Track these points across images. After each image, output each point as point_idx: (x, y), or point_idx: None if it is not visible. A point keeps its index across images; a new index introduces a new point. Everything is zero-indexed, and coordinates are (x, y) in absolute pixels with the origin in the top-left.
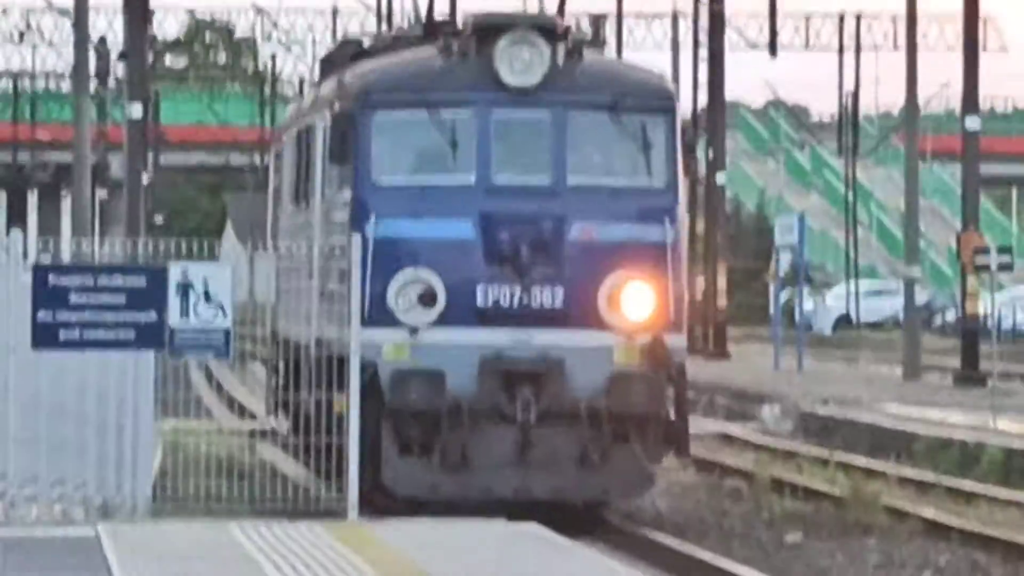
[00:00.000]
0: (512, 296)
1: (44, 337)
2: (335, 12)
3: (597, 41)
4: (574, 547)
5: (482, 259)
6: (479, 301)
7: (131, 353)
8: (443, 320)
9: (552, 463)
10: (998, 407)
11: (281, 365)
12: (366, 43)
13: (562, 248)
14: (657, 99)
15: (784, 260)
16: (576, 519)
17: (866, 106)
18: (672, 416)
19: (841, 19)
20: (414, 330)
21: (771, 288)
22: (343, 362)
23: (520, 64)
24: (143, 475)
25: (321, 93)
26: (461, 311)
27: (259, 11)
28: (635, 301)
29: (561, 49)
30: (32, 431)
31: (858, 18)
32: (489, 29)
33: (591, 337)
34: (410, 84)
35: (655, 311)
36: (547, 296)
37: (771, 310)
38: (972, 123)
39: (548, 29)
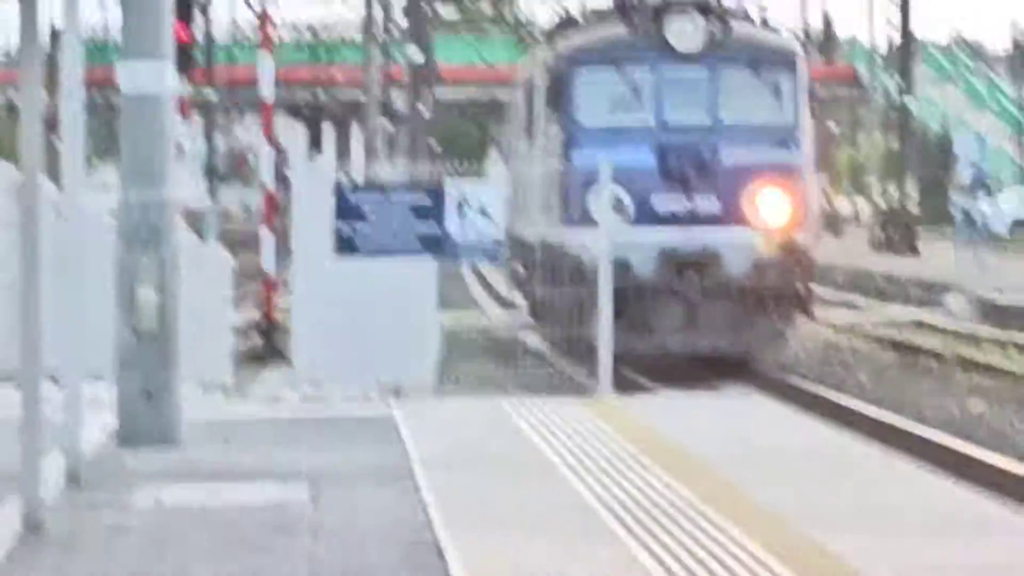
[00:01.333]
0: (680, 205)
1: (345, 245)
2: None
3: (741, 13)
4: (792, 414)
5: (659, 179)
6: (656, 209)
7: (416, 259)
8: (630, 223)
9: (711, 327)
10: None
11: (518, 262)
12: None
13: (717, 169)
14: (785, 59)
15: (964, 170)
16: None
17: None
18: (801, 291)
19: None
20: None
21: (952, 196)
22: (562, 256)
23: (684, 35)
24: (428, 360)
25: (543, 56)
26: (643, 216)
27: None
28: (771, 207)
29: (714, 21)
30: (338, 325)
31: None
32: (661, 8)
33: (739, 234)
34: (605, 49)
35: (786, 215)
36: (706, 204)
37: (953, 214)
38: None
39: (704, 7)
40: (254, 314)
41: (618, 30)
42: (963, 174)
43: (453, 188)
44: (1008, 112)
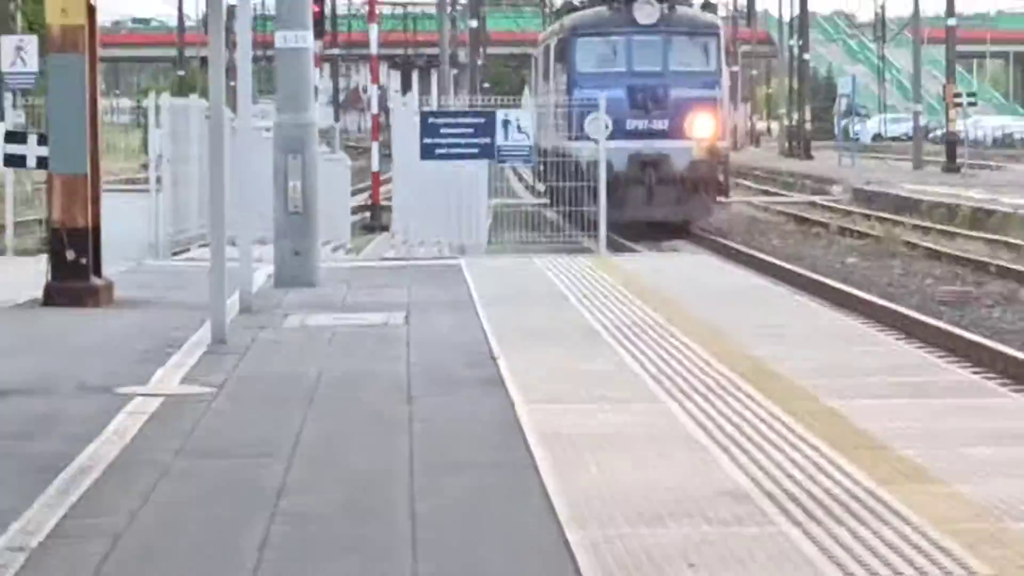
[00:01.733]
0: (643, 124)
1: (427, 152)
2: None
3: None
4: (727, 265)
5: (628, 108)
6: (628, 127)
7: (474, 161)
8: (611, 137)
9: (663, 203)
10: (968, 184)
11: (541, 164)
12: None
13: (666, 101)
14: (710, 30)
15: (843, 102)
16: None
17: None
18: (721, 179)
19: None
20: (596, 141)
21: (836, 119)
22: (567, 159)
23: (644, 14)
24: (482, 229)
25: (555, 28)
26: (619, 132)
27: None
28: (700, 126)
29: (666, 6)
30: (422, 205)
31: None
32: None
33: (681, 143)
34: (594, 24)
35: (710, 130)
36: (659, 124)
37: (836, 131)
38: (951, 22)
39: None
40: (365, 199)
41: (602, 11)
42: (842, 105)
43: (499, 113)
44: (872, 62)
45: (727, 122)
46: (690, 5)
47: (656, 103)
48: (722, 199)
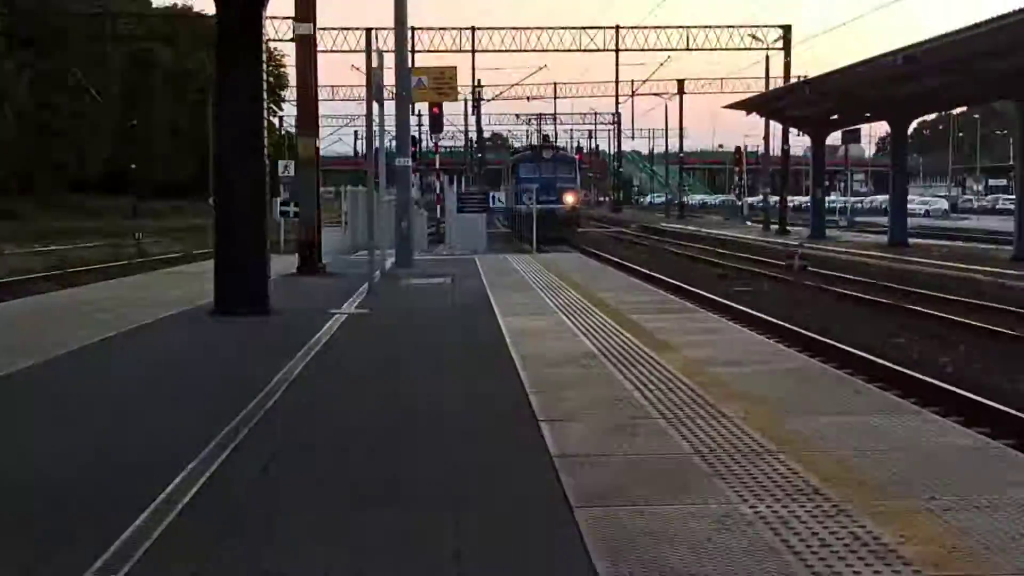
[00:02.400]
0: (545, 197)
1: (460, 208)
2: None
3: (557, 146)
4: (589, 259)
5: (540, 191)
6: (540, 198)
7: (479, 214)
8: (537, 202)
9: (554, 229)
10: (687, 223)
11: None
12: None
13: (555, 188)
14: (572, 158)
15: (635, 189)
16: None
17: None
18: (578, 220)
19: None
20: (528, 204)
21: (632, 196)
22: (516, 211)
23: (547, 154)
24: (483, 242)
25: (512, 158)
26: (537, 201)
27: None
28: (568, 198)
29: (553, 149)
30: (458, 231)
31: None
32: (540, 146)
33: (561, 205)
34: (527, 157)
35: (572, 199)
36: (552, 197)
37: (632, 201)
38: (679, 154)
39: (551, 146)
40: (432, 228)
41: (529, 152)
42: (635, 190)
43: (491, 193)
44: (648, 171)
45: (579, 196)
46: (565, 150)
47: (551, 189)
48: (579, 229)
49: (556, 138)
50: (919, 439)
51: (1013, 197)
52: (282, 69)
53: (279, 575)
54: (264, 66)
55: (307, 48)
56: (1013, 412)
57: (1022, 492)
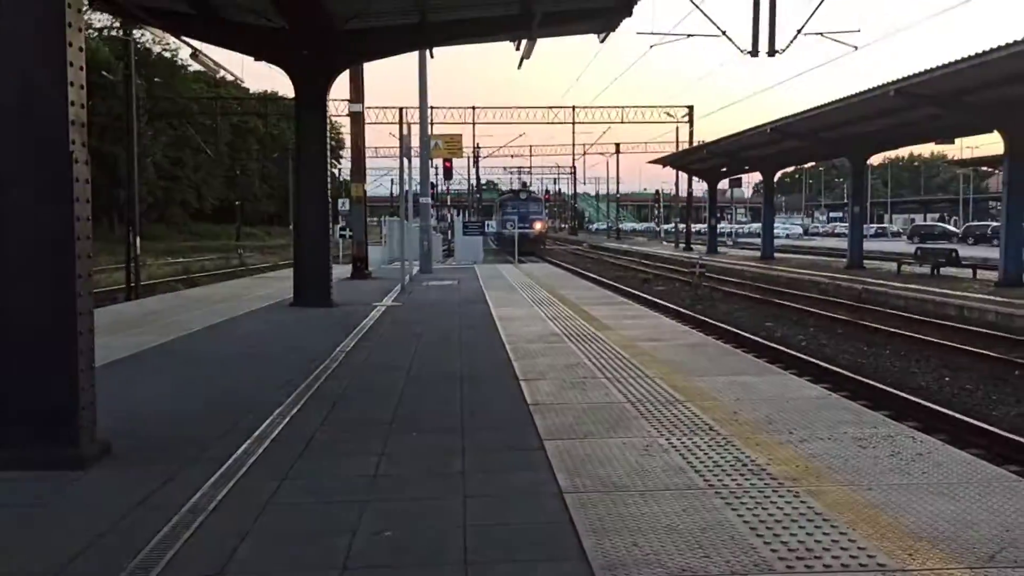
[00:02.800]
0: (523, 225)
1: (464, 232)
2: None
3: (531, 191)
4: (553, 267)
5: (519, 221)
6: (518, 226)
7: (478, 237)
8: (517, 227)
9: (529, 247)
10: (623, 241)
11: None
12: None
13: (529, 218)
14: (540, 200)
15: (587, 218)
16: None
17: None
18: (545, 241)
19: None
20: (511, 229)
21: (586, 224)
22: (502, 235)
23: (523, 195)
24: (480, 255)
25: (499, 198)
26: (518, 227)
27: None
28: (537, 225)
29: (528, 192)
30: (462, 248)
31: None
32: (519, 189)
33: (532, 229)
34: (509, 197)
35: (540, 226)
36: (526, 224)
37: (586, 228)
38: (615, 195)
39: (527, 190)
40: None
41: (511, 193)
42: (587, 220)
43: (486, 221)
44: (594, 206)
45: (545, 224)
46: (536, 193)
47: (526, 219)
48: (544, 246)
49: (531, 184)
50: (782, 392)
51: (847, 224)
52: (340, 136)
53: (339, 476)
54: (328, 133)
55: (358, 121)
56: (846, 373)
57: (852, 428)
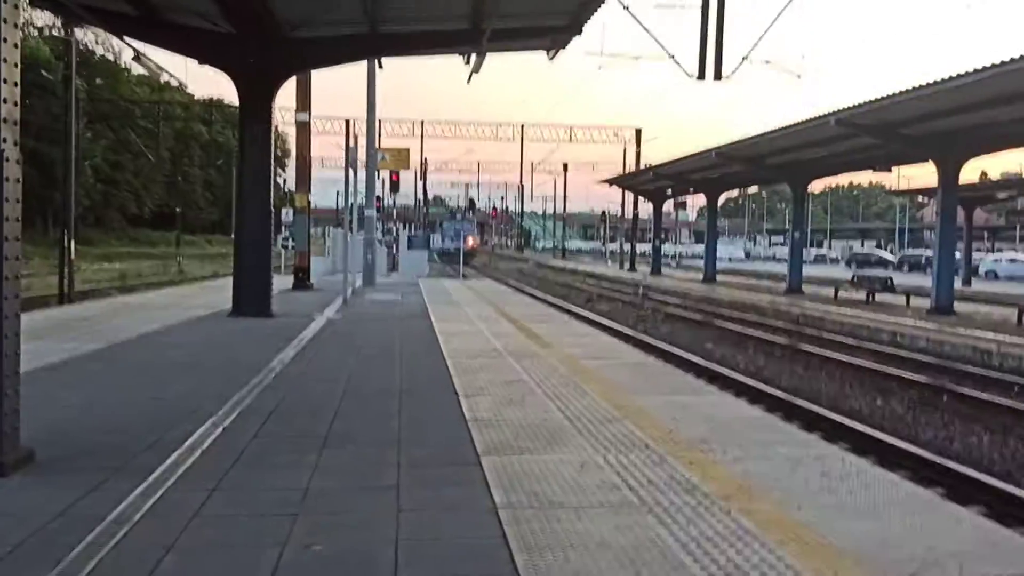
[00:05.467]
0: (458, 242)
1: (409, 246)
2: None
3: (464, 212)
4: (492, 281)
5: (452, 238)
6: (455, 243)
7: (423, 252)
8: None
9: (458, 258)
10: (569, 262)
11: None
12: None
13: (461, 235)
14: (472, 220)
15: (533, 237)
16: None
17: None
18: (475, 256)
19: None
20: (453, 245)
21: (532, 242)
22: (444, 251)
23: (458, 219)
24: (425, 270)
25: (441, 215)
26: (455, 243)
27: None
28: (470, 240)
29: (461, 214)
30: (406, 263)
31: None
32: (467, 207)
33: (467, 244)
34: (447, 217)
35: (472, 242)
36: (459, 241)
37: (532, 246)
38: (561, 212)
39: (458, 212)
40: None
41: (448, 215)
42: (533, 237)
43: (432, 236)
44: (540, 223)
45: (476, 240)
46: (469, 216)
47: (459, 236)
48: (475, 258)
49: (478, 200)
50: (718, 411)
51: (787, 249)
52: (286, 145)
53: (270, 488)
54: (273, 141)
55: (304, 130)
56: (782, 395)
57: (785, 448)
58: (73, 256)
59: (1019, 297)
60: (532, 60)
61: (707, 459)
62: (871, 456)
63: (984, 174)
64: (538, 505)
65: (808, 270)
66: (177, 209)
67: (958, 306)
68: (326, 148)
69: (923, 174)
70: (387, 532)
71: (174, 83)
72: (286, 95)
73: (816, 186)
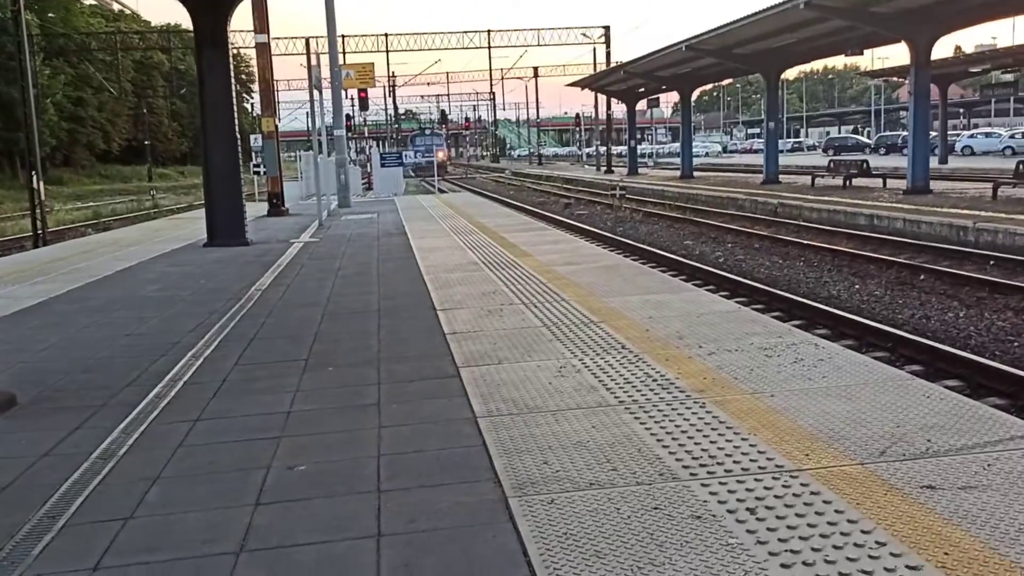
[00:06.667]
0: (429, 156)
1: (383, 164)
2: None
3: (433, 126)
4: (468, 193)
5: (424, 152)
6: (426, 156)
7: (398, 168)
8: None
9: (431, 171)
10: (545, 169)
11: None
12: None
13: (431, 150)
14: (441, 134)
15: (508, 146)
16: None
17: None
18: (448, 167)
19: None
20: (427, 159)
21: (507, 152)
22: (419, 165)
23: (428, 132)
24: (401, 187)
25: (413, 132)
26: (426, 157)
27: None
28: (440, 154)
29: (430, 129)
30: (381, 180)
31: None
32: (422, 128)
33: (437, 157)
34: (418, 133)
35: (443, 155)
36: (430, 155)
37: (508, 155)
38: (535, 120)
39: (428, 126)
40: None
41: (418, 131)
42: (508, 147)
43: (404, 152)
44: (515, 132)
45: (446, 153)
46: (438, 129)
47: (429, 151)
48: (446, 170)
49: (449, 112)
50: (694, 308)
51: (763, 141)
52: (250, 69)
53: (252, 414)
54: (231, 65)
55: (264, 53)
56: (760, 286)
57: (759, 339)
58: (43, 197)
59: (995, 171)
60: None
61: (682, 355)
62: (850, 340)
63: (958, 48)
64: (516, 411)
65: (785, 159)
66: (146, 142)
67: (934, 184)
68: (291, 70)
69: (897, 53)
70: (369, 449)
71: (127, 12)
72: (244, 18)
73: (790, 74)
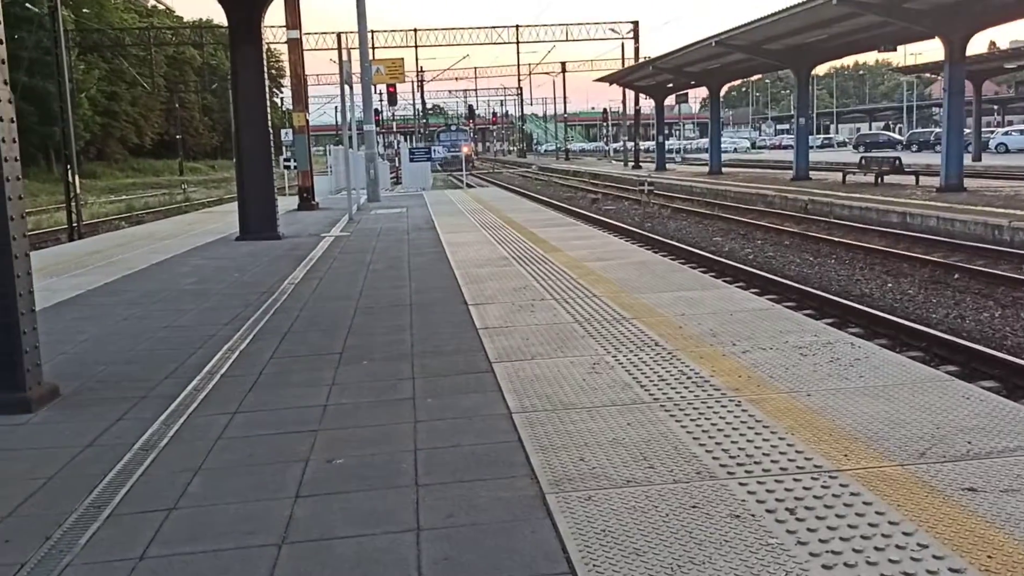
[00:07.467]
0: (454, 151)
1: (411, 159)
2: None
3: (460, 123)
4: (495, 188)
5: (451, 147)
6: (453, 150)
7: (426, 162)
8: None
9: (456, 164)
10: (572, 163)
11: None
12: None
13: (457, 145)
14: (467, 129)
15: (535, 141)
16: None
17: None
18: (474, 159)
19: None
20: (455, 154)
21: (535, 146)
22: (445, 159)
23: (454, 128)
24: (430, 181)
25: (440, 127)
26: (454, 151)
27: None
28: (465, 148)
29: (456, 124)
30: (410, 175)
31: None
32: (448, 124)
33: (462, 152)
34: (444, 128)
35: (467, 150)
36: (457, 149)
37: (535, 150)
38: (565, 115)
39: (454, 123)
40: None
41: (444, 126)
42: (536, 142)
43: (432, 147)
44: (543, 127)
45: (471, 147)
46: (464, 126)
47: (455, 145)
48: (472, 164)
49: (477, 107)
50: (727, 305)
51: (793, 136)
52: (280, 64)
53: (289, 407)
54: (264, 60)
55: (296, 48)
56: (791, 283)
57: (793, 337)
58: (78, 190)
59: None
60: None
61: (716, 352)
62: (883, 340)
63: (993, 44)
64: (551, 407)
65: (815, 156)
66: (178, 136)
67: (968, 182)
68: (321, 64)
69: (930, 49)
70: (406, 443)
71: (161, 8)
72: (277, 13)
73: (820, 69)
